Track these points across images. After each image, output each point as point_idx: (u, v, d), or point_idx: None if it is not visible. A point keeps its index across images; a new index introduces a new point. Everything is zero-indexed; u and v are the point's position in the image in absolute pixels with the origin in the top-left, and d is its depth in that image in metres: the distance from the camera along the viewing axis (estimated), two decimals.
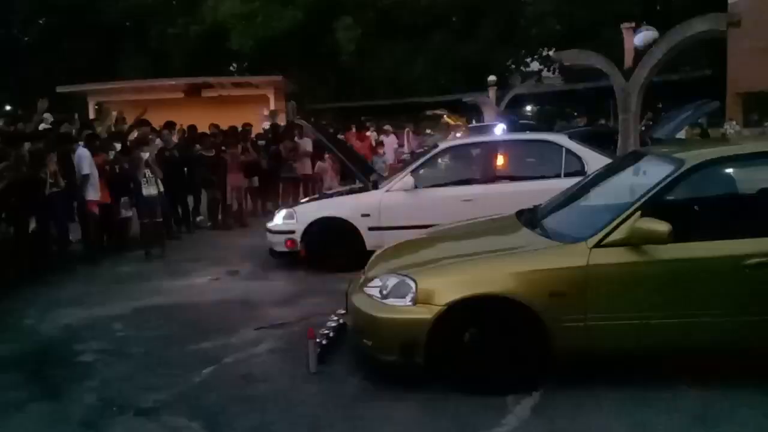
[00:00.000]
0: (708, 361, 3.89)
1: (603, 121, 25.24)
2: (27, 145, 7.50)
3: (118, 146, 9.09)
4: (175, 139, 10.81)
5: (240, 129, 12.35)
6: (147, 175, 8.40)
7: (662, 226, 3.49)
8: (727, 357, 3.86)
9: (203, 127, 11.90)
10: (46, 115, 11.90)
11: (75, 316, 5.89)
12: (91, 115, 20.52)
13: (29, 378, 4.48)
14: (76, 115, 11.40)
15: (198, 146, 10.58)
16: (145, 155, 8.45)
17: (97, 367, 4.64)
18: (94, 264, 8.01)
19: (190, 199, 10.58)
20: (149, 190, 8.42)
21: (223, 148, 10.89)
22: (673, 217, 3.55)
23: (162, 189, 8.71)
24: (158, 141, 10.00)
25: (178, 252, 8.79)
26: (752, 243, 3.62)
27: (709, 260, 3.64)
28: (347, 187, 9.36)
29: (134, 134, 9.64)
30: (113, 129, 10.28)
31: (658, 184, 3.80)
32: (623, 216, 3.67)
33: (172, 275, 7.45)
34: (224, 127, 12.31)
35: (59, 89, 20.67)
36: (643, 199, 3.74)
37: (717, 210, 4.39)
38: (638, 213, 3.64)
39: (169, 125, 10.48)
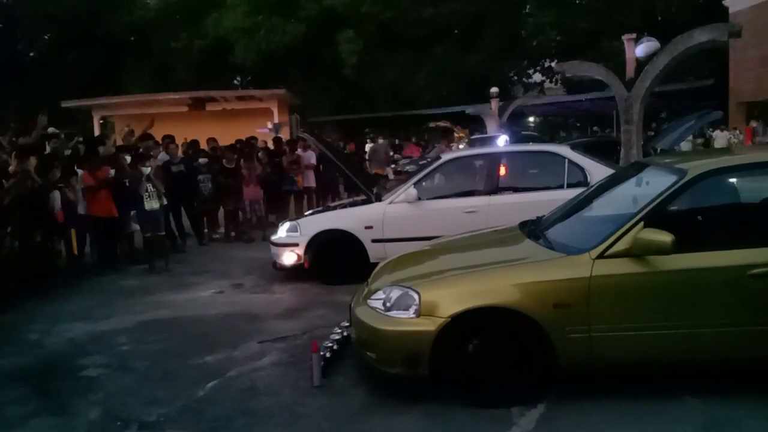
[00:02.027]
0: (713, 372, 3.87)
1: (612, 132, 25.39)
2: (33, 159, 7.55)
3: (129, 159, 9.11)
4: (179, 153, 10.84)
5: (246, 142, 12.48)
6: (149, 189, 8.44)
7: (665, 237, 3.49)
8: (732, 367, 3.83)
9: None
10: (51, 130, 11.96)
11: (79, 330, 5.90)
12: (96, 130, 20.66)
13: (33, 392, 4.48)
14: (58, 130, 11.30)
15: (202, 160, 10.64)
16: (147, 170, 8.48)
17: (101, 380, 4.64)
18: (98, 276, 8.02)
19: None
20: (151, 204, 8.46)
21: (236, 157, 10.97)
22: (676, 227, 3.55)
23: (165, 202, 8.74)
24: (162, 155, 10.04)
25: (182, 265, 8.80)
26: (755, 253, 3.61)
27: (712, 270, 3.63)
28: (350, 200, 9.37)
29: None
30: (122, 142, 10.31)
31: (660, 194, 3.79)
32: (626, 227, 3.67)
33: (175, 288, 7.46)
34: (224, 141, 12.39)
35: (64, 104, 20.76)
36: (645, 210, 3.74)
37: (720, 220, 4.38)
38: (641, 224, 3.63)
39: (169, 138, 10.49)
